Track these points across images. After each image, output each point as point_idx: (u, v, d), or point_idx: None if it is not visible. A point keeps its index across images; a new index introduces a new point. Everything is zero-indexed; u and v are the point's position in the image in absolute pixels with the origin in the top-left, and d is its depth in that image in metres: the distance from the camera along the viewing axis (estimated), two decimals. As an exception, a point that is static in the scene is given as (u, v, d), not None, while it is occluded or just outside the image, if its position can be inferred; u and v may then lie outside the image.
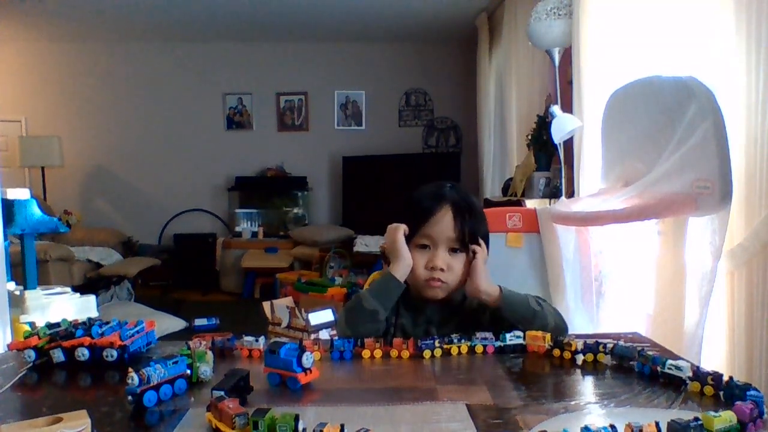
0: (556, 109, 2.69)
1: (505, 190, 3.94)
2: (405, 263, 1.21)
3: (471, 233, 1.22)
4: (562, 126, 2.62)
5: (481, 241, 1.25)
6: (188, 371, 0.89)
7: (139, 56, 6.24)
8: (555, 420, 0.76)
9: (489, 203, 4.06)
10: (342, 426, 0.68)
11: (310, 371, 0.91)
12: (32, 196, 2.66)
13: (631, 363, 0.96)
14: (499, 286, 1.20)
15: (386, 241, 1.25)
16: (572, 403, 0.83)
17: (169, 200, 6.32)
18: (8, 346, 1.09)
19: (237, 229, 6.15)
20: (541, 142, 3.41)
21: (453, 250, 1.23)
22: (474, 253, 1.21)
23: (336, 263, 4.91)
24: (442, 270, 1.21)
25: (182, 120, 6.32)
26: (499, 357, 1.05)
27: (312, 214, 6.38)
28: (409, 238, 1.25)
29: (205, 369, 0.92)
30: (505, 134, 4.51)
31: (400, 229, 1.23)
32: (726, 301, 1.59)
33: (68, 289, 2.73)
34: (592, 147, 2.47)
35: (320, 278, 4.53)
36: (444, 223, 1.21)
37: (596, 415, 0.79)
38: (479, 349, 1.07)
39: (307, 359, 0.90)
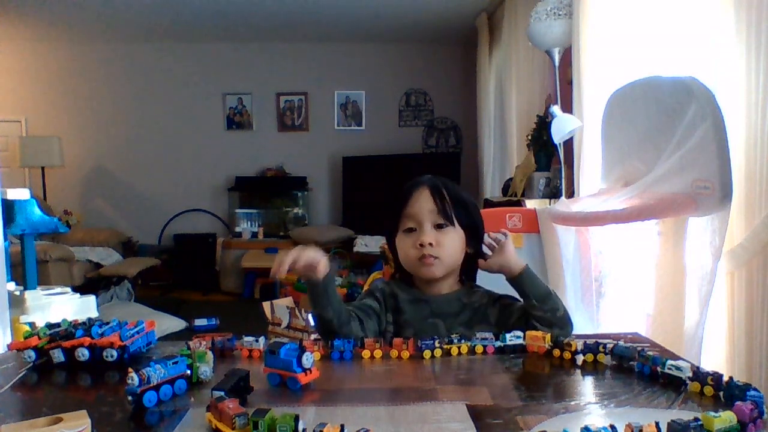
0: (556, 109, 2.69)
1: (505, 190, 3.94)
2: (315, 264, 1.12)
3: (453, 206, 1.23)
4: (562, 126, 2.62)
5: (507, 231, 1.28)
6: (188, 371, 0.89)
7: (139, 56, 6.24)
8: (555, 420, 0.76)
9: (489, 203, 4.06)
10: (342, 426, 0.68)
11: (310, 371, 0.91)
12: (32, 196, 2.65)
13: (631, 363, 0.96)
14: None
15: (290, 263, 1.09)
16: (572, 403, 0.83)
17: (169, 200, 6.32)
18: (8, 346, 1.09)
19: (237, 229, 6.15)
20: (541, 142, 3.41)
21: (439, 226, 1.23)
22: (504, 234, 1.26)
23: (336, 263, 4.91)
24: (431, 245, 1.21)
25: (182, 120, 6.32)
26: (499, 357, 1.05)
27: (312, 214, 6.38)
28: (395, 227, 1.26)
29: (205, 369, 0.92)
30: (505, 134, 4.51)
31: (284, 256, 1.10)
32: (726, 301, 1.59)
33: (68, 290, 2.72)
34: (592, 147, 2.47)
35: (320, 278, 4.52)
36: (423, 200, 1.23)
37: (596, 415, 0.79)
38: (479, 349, 1.07)
39: (307, 359, 0.90)
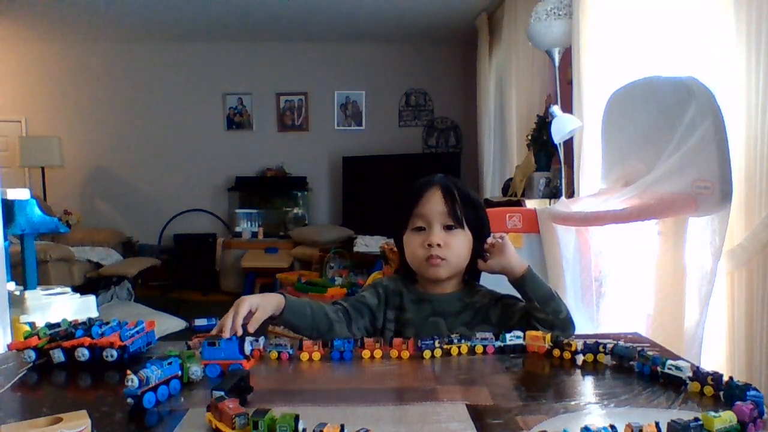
0: (556, 109, 2.69)
1: (505, 190, 3.93)
2: (267, 298, 1.14)
3: (463, 207, 1.23)
4: (562, 126, 2.62)
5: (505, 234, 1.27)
6: (180, 372, 0.90)
7: (139, 56, 6.23)
8: (555, 420, 0.76)
9: (489, 203, 4.05)
10: (342, 426, 0.68)
11: (252, 357, 0.99)
12: (32, 196, 2.65)
13: (631, 363, 0.96)
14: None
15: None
16: (572, 403, 0.83)
17: (169, 200, 6.32)
18: (8, 346, 1.09)
19: (237, 229, 6.15)
20: (541, 142, 3.41)
21: (449, 228, 1.23)
22: (501, 237, 1.24)
23: (336, 263, 4.90)
24: (439, 246, 1.21)
25: (182, 120, 6.31)
26: (499, 357, 1.05)
27: (312, 214, 6.38)
28: (404, 224, 1.26)
29: (196, 369, 0.93)
30: (505, 134, 4.51)
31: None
32: (726, 301, 1.59)
33: (68, 289, 2.72)
34: (592, 147, 2.47)
35: (320, 278, 4.52)
36: (434, 201, 1.23)
37: (596, 415, 0.79)
38: (479, 349, 1.07)
39: (249, 345, 1.00)
